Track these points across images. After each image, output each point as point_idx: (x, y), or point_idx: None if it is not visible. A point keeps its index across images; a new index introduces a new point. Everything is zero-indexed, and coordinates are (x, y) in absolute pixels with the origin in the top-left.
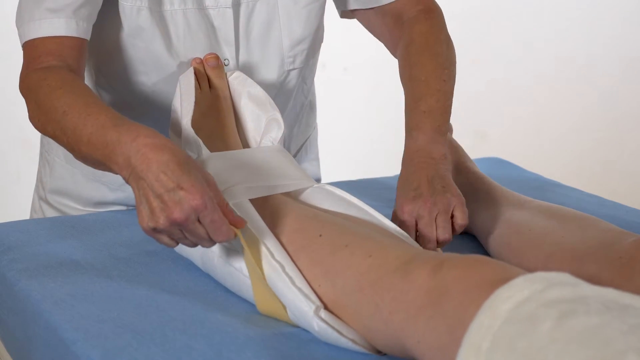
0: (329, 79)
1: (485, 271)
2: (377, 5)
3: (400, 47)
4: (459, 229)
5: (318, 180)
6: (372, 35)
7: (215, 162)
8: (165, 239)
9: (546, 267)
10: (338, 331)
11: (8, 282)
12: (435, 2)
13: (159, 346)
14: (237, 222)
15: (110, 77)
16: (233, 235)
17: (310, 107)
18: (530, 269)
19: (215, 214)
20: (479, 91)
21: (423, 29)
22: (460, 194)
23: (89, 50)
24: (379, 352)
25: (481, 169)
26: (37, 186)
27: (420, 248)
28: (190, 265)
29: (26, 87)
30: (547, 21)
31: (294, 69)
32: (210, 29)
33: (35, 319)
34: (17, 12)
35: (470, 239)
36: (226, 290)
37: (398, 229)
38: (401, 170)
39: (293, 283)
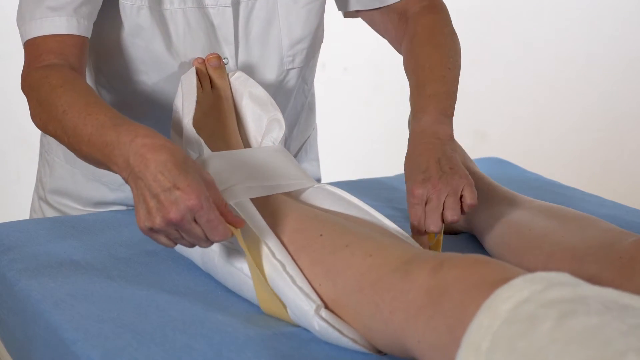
0: (329, 79)
1: (485, 271)
2: (383, 5)
3: (405, 41)
4: (467, 209)
5: (318, 180)
6: (372, 35)
7: (216, 162)
8: (163, 239)
9: (546, 267)
10: (339, 330)
11: (8, 282)
12: None
13: (159, 346)
14: (235, 222)
15: (111, 76)
16: (230, 234)
17: (310, 107)
18: (530, 269)
19: (211, 214)
20: (479, 91)
21: (427, 23)
22: (468, 174)
23: (89, 50)
24: (379, 351)
25: (481, 169)
26: (36, 186)
27: (421, 248)
28: (190, 265)
29: (28, 85)
30: (547, 21)
31: (293, 68)
32: (210, 28)
33: (35, 319)
34: (18, 11)
35: (470, 239)
36: (226, 290)
37: (398, 229)
38: (407, 150)
39: (294, 282)
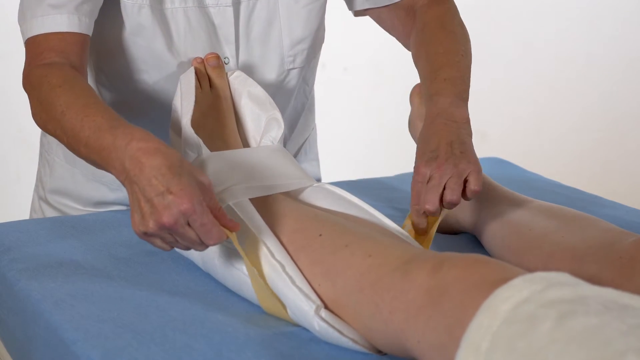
0: (329, 79)
1: (485, 271)
2: (391, 3)
3: (414, 33)
4: (470, 195)
5: (318, 180)
6: (372, 35)
7: (215, 162)
8: (159, 242)
9: (546, 267)
10: (339, 331)
11: (8, 282)
12: None
13: (159, 346)
14: (230, 226)
15: (111, 75)
16: (225, 238)
17: (309, 108)
18: (530, 269)
19: (205, 218)
20: (479, 91)
21: (436, 13)
22: (478, 161)
23: (90, 49)
24: (379, 351)
25: None
26: (37, 186)
27: (421, 248)
28: (190, 265)
29: (29, 83)
30: (547, 21)
31: (294, 68)
32: (211, 27)
33: (35, 319)
34: (19, 10)
35: (470, 239)
36: (226, 290)
37: (398, 228)
38: (421, 129)
39: (293, 282)
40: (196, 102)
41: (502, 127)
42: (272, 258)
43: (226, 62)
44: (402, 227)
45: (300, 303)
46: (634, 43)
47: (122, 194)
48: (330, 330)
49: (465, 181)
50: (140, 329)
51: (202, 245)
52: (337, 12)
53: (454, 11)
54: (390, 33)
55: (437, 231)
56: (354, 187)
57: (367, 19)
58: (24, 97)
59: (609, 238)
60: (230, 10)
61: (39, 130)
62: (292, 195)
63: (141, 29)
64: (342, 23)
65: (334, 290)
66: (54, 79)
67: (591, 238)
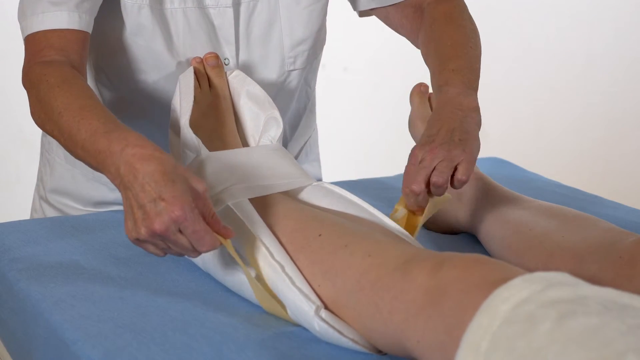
0: (329, 79)
1: (485, 271)
2: (398, 1)
3: (423, 29)
4: (457, 184)
5: (319, 181)
6: (372, 36)
7: (214, 162)
8: (151, 248)
9: (547, 267)
10: (339, 331)
11: (8, 282)
12: None
13: (159, 346)
14: (223, 233)
15: (111, 74)
16: (218, 244)
17: (311, 109)
18: (530, 269)
19: (197, 225)
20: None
21: (445, 9)
22: (475, 151)
23: (90, 48)
24: (379, 351)
25: (481, 169)
26: (37, 185)
27: (421, 247)
28: (190, 265)
29: (28, 81)
30: (547, 21)
31: (294, 69)
32: (211, 28)
33: (35, 319)
34: (19, 7)
35: (470, 239)
36: (226, 290)
37: (398, 227)
38: (429, 117)
39: (293, 283)
40: (195, 101)
41: (502, 127)
42: (272, 258)
43: (226, 63)
44: (393, 212)
45: (300, 303)
46: (634, 43)
47: None
48: (331, 330)
49: (456, 169)
50: (140, 329)
51: (195, 252)
52: (337, 13)
53: (462, 6)
54: (398, 32)
55: (438, 231)
56: (354, 187)
57: (368, 20)
58: (24, 97)
59: (609, 238)
60: (230, 11)
61: (39, 131)
62: (292, 195)
63: (141, 29)
64: (342, 23)
65: (333, 291)
66: (53, 78)
67: (591, 238)
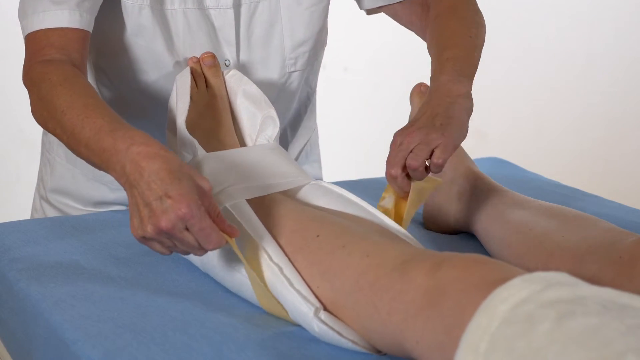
0: (329, 79)
1: (484, 271)
2: None
3: (429, 24)
4: (433, 168)
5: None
6: (372, 36)
7: (211, 163)
8: (158, 246)
9: (547, 267)
10: (338, 332)
11: (8, 282)
12: None
13: (159, 346)
14: (229, 231)
15: (111, 75)
16: (224, 242)
17: (311, 109)
18: (530, 269)
19: (203, 222)
20: (479, 91)
21: (449, 3)
22: (455, 136)
23: (90, 48)
24: (379, 352)
25: (481, 169)
26: (38, 185)
27: (420, 248)
28: (190, 265)
29: (29, 80)
30: (547, 21)
31: (295, 71)
32: (211, 29)
33: (35, 319)
34: (19, 5)
35: (470, 239)
36: (226, 290)
37: (398, 226)
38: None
39: (291, 285)
40: (192, 101)
41: (502, 127)
42: (270, 261)
43: (227, 64)
44: (381, 200)
45: (299, 305)
46: (634, 43)
47: (122, 193)
48: (330, 332)
49: (432, 154)
50: (140, 329)
51: (201, 250)
52: (337, 13)
53: (468, 0)
54: (408, 28)
55: (437, 231)
56: (354, 187)
57: (368, 20)
58: (24, 97)
59: (609, 238)
60: (230, 13)
61: (39, 130)
62: (290, 194)
63: (141, 30)
64: (342, 23)
65: (332, 291)
66: (55, 76)
67: (591, 238)
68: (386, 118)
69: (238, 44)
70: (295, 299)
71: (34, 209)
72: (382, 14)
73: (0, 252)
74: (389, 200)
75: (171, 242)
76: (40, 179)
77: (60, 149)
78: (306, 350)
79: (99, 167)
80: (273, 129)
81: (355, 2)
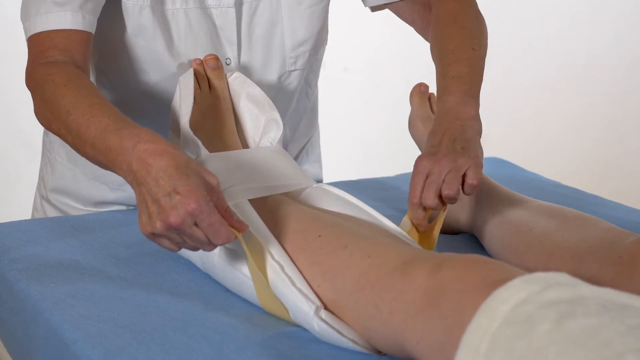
0: (329, 79)
1: (484, 272)
2: None
3: (431, 27)
4: (468, 189)
5: (320, 182)
6: (372, 36)
7: (214, 163)
8: (166, 243)
9: (547, 267)
10: (338, 331)
11: (8, 282)
12: None
13: (159, 346)
14: (238, 226)
15: (112, 75)
16: (233, 237)
17: (312, 110)
18: (530, 269)
19: (212, 217)
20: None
21: (451, 7)
22: (480, 156)
23: (91, 49)
24: (379, 352)
25: None
26: (39, 185)
27: (420, 248)
28: (190, 265)
29: (32, 81)
30: (547, 21)
31: (295, 70)
32: (212, 29)
33: (35, 319)
34: (21, 7)
35: (470, 239)
36: (226, 290)
37: (398, 229)
38: (430, 129)
39: (293, 283)
40: (195, 103)
41: (502, 127)
42: (272, 259)
43: (228, 63)
44: (401, 226)
45: (300, 304)
46: (634, 43)
47: (122, 193)
48: (330, 331)
49: (464, 176)
50: (140, 329)
51: (210, 245)
52: (337, 13)
53: (468, 4)
54: (411, 26)
55: None
56: (354, 187)
57: (368, 20)
58: (24, 98)
59: (609, 238)
60: (232, 12)
61: (39, 131)
62: (292, 196)
63: (142, 30)
64: (342, 23)
65: (333, 291)
66: (59, 77)
67: (591, 238)
68: (386, 118)
69: (239, 43)
70: (296, 298)
71: (34, 208)
72: (385, 12)
73: (0, 252)
74: (407, 225)
75: (180, 238)
76: (41, 178)
77: (61, 149)
78: (306, 350)
79: (105, 167)
80: (276, 132)
81: (358, 1)
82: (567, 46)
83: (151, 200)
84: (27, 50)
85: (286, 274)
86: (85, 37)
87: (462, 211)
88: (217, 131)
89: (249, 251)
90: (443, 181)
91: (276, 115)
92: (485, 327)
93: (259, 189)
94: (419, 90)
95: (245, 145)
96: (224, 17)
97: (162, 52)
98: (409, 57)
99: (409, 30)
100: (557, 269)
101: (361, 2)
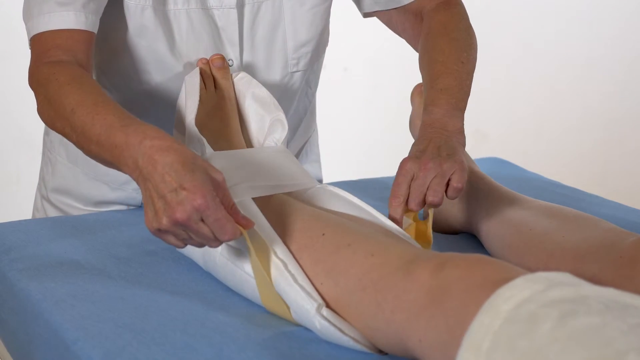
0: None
1: (487, 271)
2: (398, 5)
3: (421, 37)
4: (452, 193)
5: (319, 181)
6: (372, 36)
7: (219, 161)
8: (172, 239)
9: (547, 267)
10: (340, 329)
11: (9, 282)
12: None
13: (159, 346)
14: (243, 223)
15: (113, 76)
16: (239, 234)
17: (311, 110)
18: (531, 269)
19: (219, 213)
20: (479, 91)
21: (442, 19)
22: (464, 161)
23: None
24: (380, 351)
25: (481, 169)
26: (39, 185)
27: (422, 248)
28: (191, 265)
29: (36, 81)
30: (547, 21)
31: (297, 71)
32: (214, 29)
33: (35, 319)
34: (24, 7)
35: (471, 239)
36: (227, 290)
37: (399, 229)
38: (417, 136)
39: (295, 281)
40: (201, 102)
41: (502, 127)
42: (275, 256)
43: (230, 64)
44: (403, 226)
45: (302, 301)
46: (634, 43)
47: (123, 193)
48: (332, 329)
49: (449, 180)
50: (140, 329)
51: (216, 241)
52: (337, 13)
53: (460, 16)
54: (401, 36)
55: (438, 231)
56: (355, 187)
57: (368, 20)
58: (25, 98)
59: (610, 238)
60: (234, 13)
61: (39, 131)
62: (295, 196)
63: (144, 30)
64: (342, 24)
65: (336, 289)
66: (62, 76)
67: (592, 238)
68: (386, 118)
69: (241, 44)
70: (298, 295)
71: (35, 208)
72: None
73: (1, 252)
74: (406, 222)
75: (186, 234)
76: (42, 178)
77: (61, 149)
78: (307, 350)
79: (110, 164)
80: (281, 132)
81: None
82: (567, 46)
83: (157, 196)
84: (29, 50)
85: (289, 271)
86: (88, 37)
87: (462, 211)
88: (222, 131)
89: (254, 249)
90: (428, 187)
91: (281, 115)
92: (487, 325)
93: (263, 188)
94: (420, 90)
95: (249, 145)
96: (226, 18)
97: (164, 53)
98: (408, 58)
99: (401, 38)
100: (557, 268)
101: (368, 6)
